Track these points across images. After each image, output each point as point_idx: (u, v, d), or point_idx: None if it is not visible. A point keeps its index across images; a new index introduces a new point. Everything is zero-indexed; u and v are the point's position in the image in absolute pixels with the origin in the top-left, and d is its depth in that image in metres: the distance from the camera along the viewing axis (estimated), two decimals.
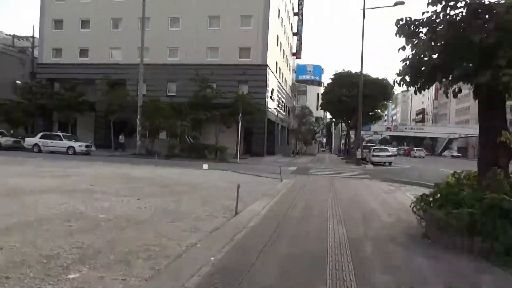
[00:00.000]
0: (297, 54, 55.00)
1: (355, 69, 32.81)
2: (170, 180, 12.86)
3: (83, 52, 37.04)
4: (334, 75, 33.15)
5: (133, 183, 11.43)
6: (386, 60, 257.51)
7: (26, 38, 41.64)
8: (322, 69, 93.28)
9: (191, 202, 8.57)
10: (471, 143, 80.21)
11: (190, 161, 25.18)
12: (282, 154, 42.26)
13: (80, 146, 25.56)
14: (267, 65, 33.22)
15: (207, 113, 27.84)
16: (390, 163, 29.75)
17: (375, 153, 29.41)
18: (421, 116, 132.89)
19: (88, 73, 35.24)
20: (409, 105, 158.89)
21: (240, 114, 25.46)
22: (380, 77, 30.95)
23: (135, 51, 35.09)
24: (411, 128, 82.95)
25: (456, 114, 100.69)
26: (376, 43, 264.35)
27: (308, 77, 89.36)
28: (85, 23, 37.01)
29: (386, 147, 32.58)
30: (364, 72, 28.51)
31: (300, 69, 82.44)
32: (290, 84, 54.23)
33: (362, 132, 62.67)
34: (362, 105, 28.22)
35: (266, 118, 33.23)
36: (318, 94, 66.62)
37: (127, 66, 34.71)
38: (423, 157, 55.45)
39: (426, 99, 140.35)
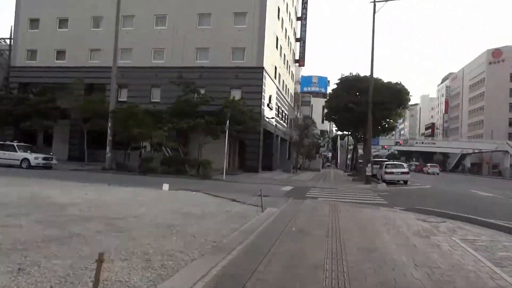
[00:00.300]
0: (300, 61, 51.07)
1: (364, 73, 28.60)
2: (95, 209, 8.67)
3: (60, 54, 33.42)
4: (339, 79, 28.85)
5: (23, 218, 7.24)
6: (398, 63, 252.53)
7: (4, 40, 38.32)
8: (328, 81, 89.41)
9: (44, 270, 4.32)
10: (485, 158, 75.28)
11: (165, 177, 20.97)
12: (282, 169, 38.01)
13: (36, 158, 21.49)
14: (263, 68, 29.22)
15: (190, 121, 23.78)
16: (405, 182, 25.27)
17: (388, 170, 24.95)
18: (430, 130, 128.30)
19: (65, 77, 31.37)
20: (417, 120, 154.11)
21: (227, 123, 21.32)
22: (393, 81, 26.64)
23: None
24: (422, 143, 78.10)
25: (468, 129, 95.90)
26: (386, 46, 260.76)
27: (313, 88, 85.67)
28: (63, 22, 33.50)
29: (400, 163, 28.00)
30: (374, 76, 24.40)
31: (304, 81, 78.93)
32: (293, 94, 50.22)
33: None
34: (373, 113, 24.03)
35: (261, 128, 29.04)
36: (323, 106, 62.58)
37: (107, 69, 31.01)
38: (438, 173, 50.71)
39: (435, 113, 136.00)
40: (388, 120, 27.36)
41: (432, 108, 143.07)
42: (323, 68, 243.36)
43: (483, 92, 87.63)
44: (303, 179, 26.34)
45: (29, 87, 32.45)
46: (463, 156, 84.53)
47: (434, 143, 78.34)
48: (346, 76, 28.26)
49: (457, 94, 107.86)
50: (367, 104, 24.21)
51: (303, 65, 52.24)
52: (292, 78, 48.58)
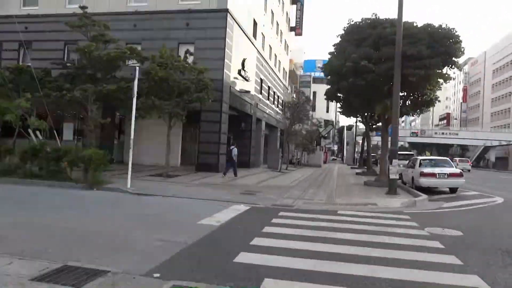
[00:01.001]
0: (297, 29, 40.63)
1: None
2: None
3: None
4: (345, 28, 18.13)
5: None
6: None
7: None
8: None
9: None
10: None
11: (27, 185, 11.10)
12: (268, 166, 28.12)
13: None
14: (227, 11, 18.97)
15: (89, 86, 13.82)
16: (454, 190, 15.12)
17: (426, 170, 14.76)
18: (445, 121, 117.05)
19: None
20: (430, 110, 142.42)
21: (135, 86, 11.28)
22: (435, 24, 15.87)
23: None
24: (442, 133, 67.46)
25: (491, 118, 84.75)
26: None
27: (317, 74, 75.68)
28: None
29: (445, 158, 17.43)
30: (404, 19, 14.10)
31: (307, 65, 69.19)
32: (287, 71, 39.93)
33: (375, 138, 46.35)
34: (402, 75, 13.86)
35: (223, 104, 18.86)
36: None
37: (5, 20, 21.36)
38: (469, 170, 40.27)
39: (451, 102, 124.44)
40: (424, 89, 16.68)
41: (447, 98, 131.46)
42: (326, 37, 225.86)
43: (511, 76, 76.38)
44: (284, 184, 16.27)
45: None
46: (486, 149, 73.82)
47: (457, 134, 67.62)
48: (356, 23, 17.68)
49: (477, 81, 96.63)
50: (390, 60, 14.07)
51: (300, 34, 41.71)
52: (286, 49, 38.23)
